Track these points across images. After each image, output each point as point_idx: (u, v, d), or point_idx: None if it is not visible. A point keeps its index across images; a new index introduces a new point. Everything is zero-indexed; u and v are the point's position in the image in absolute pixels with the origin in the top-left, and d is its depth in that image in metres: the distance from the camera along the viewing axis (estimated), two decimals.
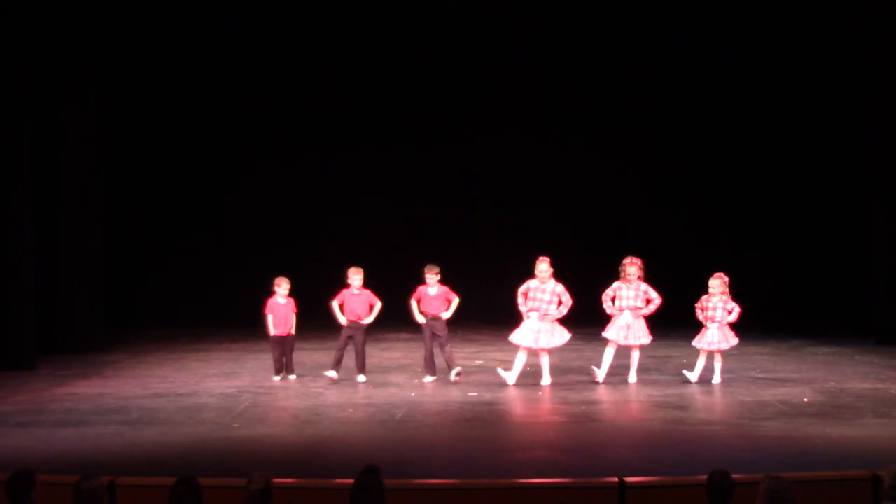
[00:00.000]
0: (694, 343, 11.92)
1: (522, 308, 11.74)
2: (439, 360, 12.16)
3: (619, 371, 12.13)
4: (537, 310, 11.64)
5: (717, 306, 11.70)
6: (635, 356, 11.94)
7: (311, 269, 17.81)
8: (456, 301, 12.16)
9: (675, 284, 16.43)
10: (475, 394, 11.39)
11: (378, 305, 12.22)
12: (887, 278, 14.70)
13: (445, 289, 12.16)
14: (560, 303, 11.69)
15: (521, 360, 11.80)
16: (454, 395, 11.36)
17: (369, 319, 12.24)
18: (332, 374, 12.06)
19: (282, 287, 12.38)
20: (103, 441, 9.20)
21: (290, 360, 12.41)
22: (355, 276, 12.22)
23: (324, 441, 9.26)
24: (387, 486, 5.91)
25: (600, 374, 11.87)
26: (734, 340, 11.82)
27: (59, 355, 14.20)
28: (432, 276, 12.09)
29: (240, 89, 17.49)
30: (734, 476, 5.92)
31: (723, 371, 11.83)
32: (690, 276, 17.17)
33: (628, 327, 11.78)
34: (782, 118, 17.20)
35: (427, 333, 12.13)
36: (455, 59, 17.31)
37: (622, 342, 11.84)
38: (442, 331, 12.09)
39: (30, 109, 13.90)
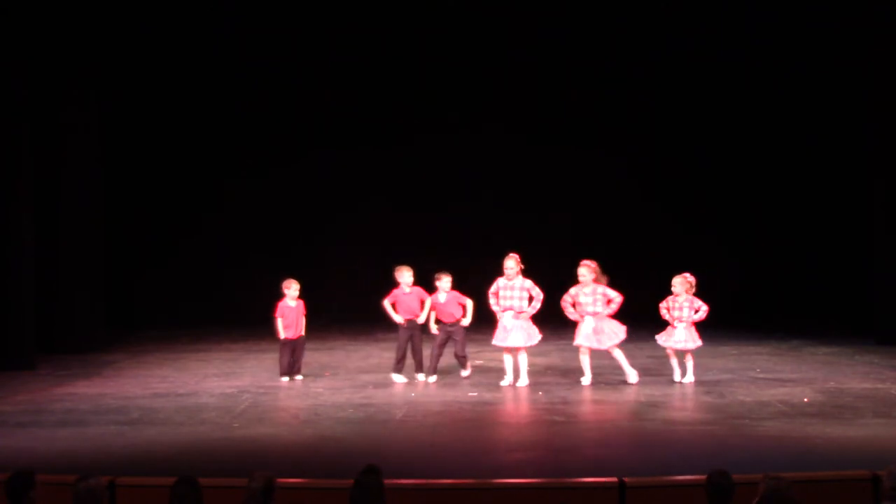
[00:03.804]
0: (661, 342, 11.83)
1: (496, 308, 11.69)
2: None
3: (618, 372, 12.13)
4: (511, 308, 11.60)
5: (684, 306, 11.62)
6: (619, 356, 11.77)
7: (311, 270, 17.86)
8: (470, 304, 12.11)
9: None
10: (475, 394, 11.39)
11: (429, 301, 12.15)
12: (887, 278, 14.69)
13: (455, 293, 12.14)
14: (531, 298, 11.65)
15: (508, 361, 11.77)
16: (454, 395, 11.36)
17: (423, 316, 12.19)
18: (400, 378, 12.07)
19: (291, 289, 12.34)
20: (103, 441, 9.20)
21: (299, 361, 12.37)
22: (405, 274, 12.15)
23: (324, 441, 9.25)
24: (387, 486, 5.91)
25: (585, 379, 11.80)
26: (700, 341, 11.71)
27: (59, 355, 14.20)
28: (444, 283, 12.07)
29: (239, 89, 17.50)
30: (734, 476, 5.93)
31: (695, 370, 11.76)
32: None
33: (595, 332, 11.65)
34: (783, 118, 17.20)
35: (440, 339, 12.10)
36: (454, 59, 17.31)
37: (594, 346, 11.70)
38: (460, 335, 12.07)
39: (30, 109, 13.90)
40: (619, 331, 11.72)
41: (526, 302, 11.63)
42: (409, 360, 12.20)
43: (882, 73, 14.61)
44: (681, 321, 11.64)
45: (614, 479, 7.17)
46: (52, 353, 14.20)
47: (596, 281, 11.64)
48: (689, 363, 11.76)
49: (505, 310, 11.64)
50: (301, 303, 12.39)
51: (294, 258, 17.53)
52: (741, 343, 14.90)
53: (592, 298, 11.62)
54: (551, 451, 8.91)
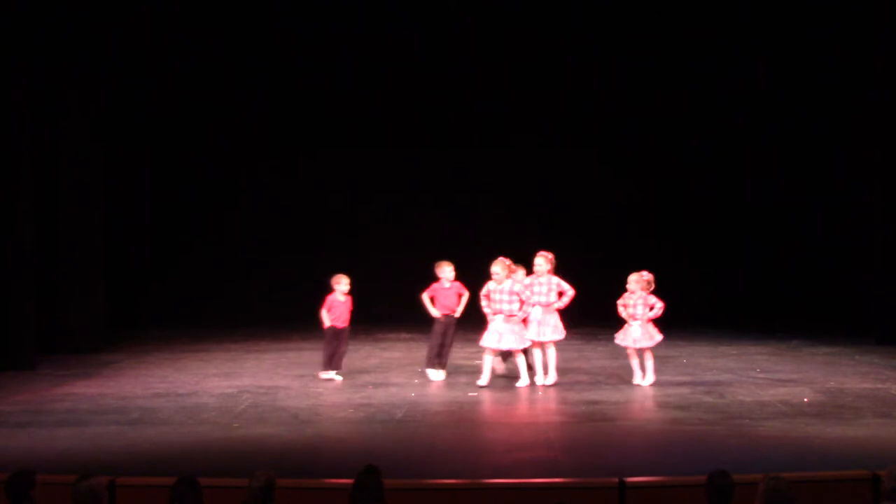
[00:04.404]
0: (618, 341, 11.79)
1: (487, 310, 11.69)
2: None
3: (619, 371, 12.15)
4: (501, 311, 11.61)
5: (638, 303, 11.56)
6: (551, 354, 11.75)
7: (312, 270, 17.85)
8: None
9: (675, 285, 16.43)
10: (475, 394, 11.39)
11: (466, 296, 12.17)
12: (887, 278, 14.70)
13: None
14: (522, 302, 11.65)
15: (487, 362, 11.75)
16: (454, 395, 11.36)
17: (459, 311, 12.19)
18: (437, 375, 12.11)
19: (341, 284, 12.30)
20: (103, 441, 9.19)
21: (341, 355, 12.31)
22: (446, 269, 12.14)
23: (324, 441, 9.26)
24: (387, 486, 5.91)
25: (538, 378, 11.79)
26: (658, 337, 11.62)
27: (59, 355, 14.18)
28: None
29: (238, 90, 17.48)
30: (734, 476, 5.93)
31: (655, 369, 11.68)
32: (690, 276, 17.32)
33: (539, 323, 11.66)
34: (783, 117, 17.19)
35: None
36: (454, 59, 17.31)
37: (535, 338, 11.70)
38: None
39: (31, 109, 13.88)
40: (560, 329, 11.74)
41: (516, 305, 11.62)
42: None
43: (883, 72, 14.61)
44: (635, 318, 11.56)
45: (614, 480, 7.17)
46: (52, 353, 14.17)
47: (550, 272, 11.70)
48: (649, 362, 11.63)
49: (496, 312, 11.64)
50: (349, 298, 12.36)
51: (294, 258, 17.56)
52: (741, 343, 14.91)
53: (547, 288, 11.68)
54: (551, 451, 8.91)
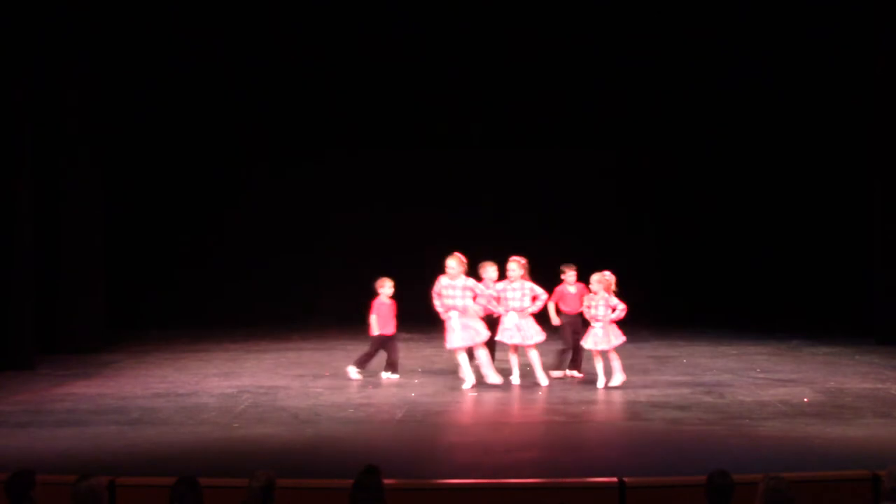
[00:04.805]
0: (581, 343, 11.76)
1: (440, 309, 11.66)
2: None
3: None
4: (455, 307, 11.59)
5: (599, 304, 11.50)
6: (533, 356, 11.72)
7: (312, 270, 17.88)
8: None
9: (675, 286, 16.53)
10: (475, 394, 11.39)
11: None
12: (887, 278, 14.70)
13: (582, 285, 12.06)
14: (475, 296, 11.64)
15: (463, 361, 11.66)
16: (454, 395, 11.36)
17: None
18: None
19: (385, 287, 12.33)
20: (103, 441, 9.20)
21: (395, 360, 12.36)
22: (489, 269, 12.00)
23: (324, 441, 9.25)
24: (387, 486, 5.91)
25: (513, 378, 11.80)
26: (619, 339, 11.52)
27: (59, 355, 14.20)
28: (571, 275, 12.07)
29: (239, 89, 17.48)
30: (734, 476, 5.92)
31: (623, 368, 11.60)
32: (690, 276, 17.34)
33: (517, 328, 11.64)
34: (783, 117, 17.19)
35: (568, 331, 12.09)
36: (452, 60, 17.32)
37: (511, 342, 11.70)
38: (579, 332, 12.00)
39: (31, 109, 13.89)
40: (537, 331, 11.72)
41: (469, 300, 11.59)
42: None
43: (882, 71, 14.61)
44: (597, 320, 11.50)
45: (614, 479, 7.17)
46: (52, 353, 14.19)
47: (524, 277, 11.70)
48: (615, 363, 11.54)
49: (449, 309, 11.62)
50: (393, 302, 12.39)
51: (293, 259, 17.58)
52: (741, 343, 14.91)
53: (521, 293, 11.66)
54: (551, 451, 8.91)
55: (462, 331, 11.55)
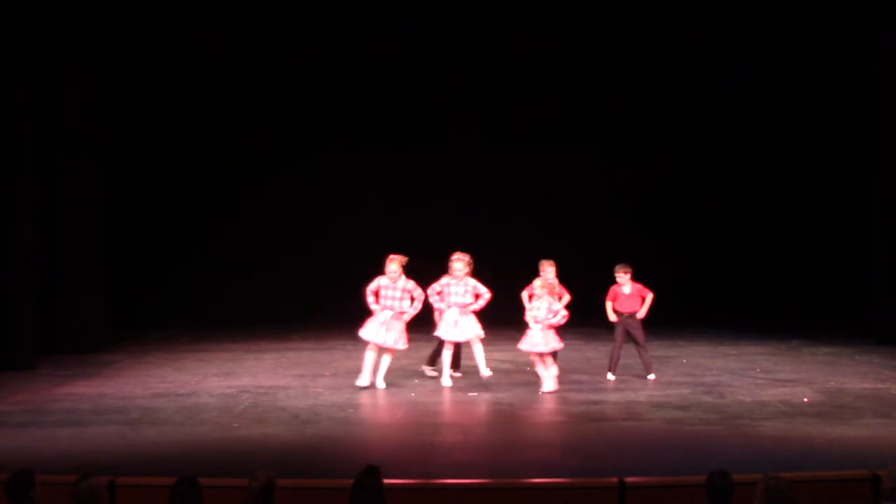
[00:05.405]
0: (519, 346, 11.65)
1: (374, 307, 11.66)
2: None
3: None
4: (390, 308, 11.61)
5: (542, 306, 11.44)
6: (478, 350, 11.78)
7: (312, 270, 17.88)
8: (650, 297, 12.10)
9: (675, 286, 16.50)
10: (475, 394, 11.39)
11: (566, 298, 12.02)
12: (887, 278, 14.70)
13: (639, 286, 12.12)
14: (413, 299, 11.68)
15: (368, 358, 11.64)
16: (454, 395, 11.36)
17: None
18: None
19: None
20: (103, 441, 9.19)
21: (457, 356, 12.25)
22: (548, 269, 12.00)
23: (324, 441, 9.25)
24: (387, 486, 5.91)
25: (443, 378, 11.83)
26: (557, 344, 11.46)
27: (59, 355, 14.19)
28: (624, 275, 12.09)
29: (239, 89, 17.49)
30: (734, 476, 5.93)
31: (558, 378, 11.54)
32: (690, 276, 17.33)
33: (456, 323, 11.71)
34: (783, 117, 17.20)
35: (620, 332, 12.11)
36: (452, 61, 17.33)
37: (451, 339, 11.76)
38: (637, 329, 12.05)
39: (31, 109, 13.89)
40: (477, 326, 11.77)
41: (407, 302, 11.65)
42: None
43: (882, 71, 14.61)
44: (536, 322, 11.44)
45: (614, 480, 7.17)
46: (52, 353, 14.19)
47: (469, 274, 11.80)
48: (552, 369, 11.46)
49: (384, 308, 11.62)
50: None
51: (293, 259, 17.58)
52: (741, 343, 14.91)
53: (464, 290, 11.77)
54: (551, 451, 8.91)
55: (388, 331, 11.56)
